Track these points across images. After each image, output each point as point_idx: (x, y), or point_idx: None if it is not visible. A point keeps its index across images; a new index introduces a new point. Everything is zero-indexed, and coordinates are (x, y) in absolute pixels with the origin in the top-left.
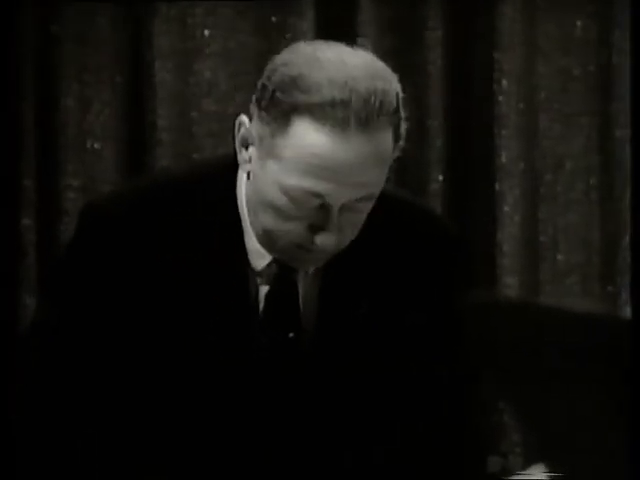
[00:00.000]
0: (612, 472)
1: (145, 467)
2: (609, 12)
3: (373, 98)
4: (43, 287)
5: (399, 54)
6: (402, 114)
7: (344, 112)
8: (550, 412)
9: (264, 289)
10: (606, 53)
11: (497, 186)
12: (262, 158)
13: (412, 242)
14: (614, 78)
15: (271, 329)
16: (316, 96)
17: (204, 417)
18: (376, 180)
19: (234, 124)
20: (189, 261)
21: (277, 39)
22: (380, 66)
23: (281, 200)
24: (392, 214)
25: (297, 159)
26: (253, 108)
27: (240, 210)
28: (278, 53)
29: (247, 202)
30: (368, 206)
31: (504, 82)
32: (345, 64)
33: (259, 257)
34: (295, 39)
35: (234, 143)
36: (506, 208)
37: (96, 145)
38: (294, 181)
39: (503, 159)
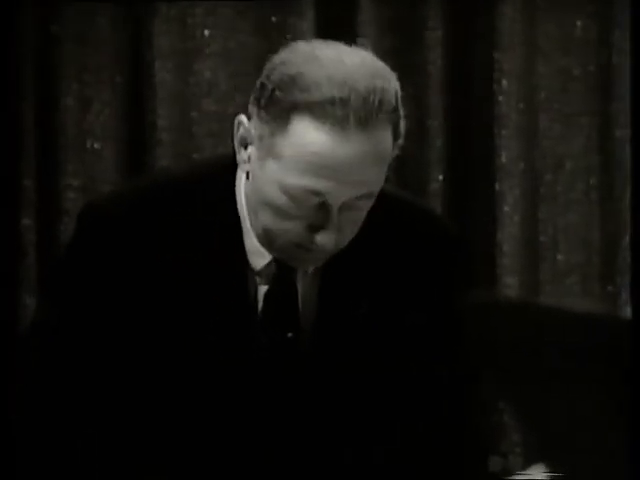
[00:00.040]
0: (612, 472)
1: (145, 467)
2: (609, 12)
3: (372, 96)
4: (43, 287)
5: (399, 54)
6: (401, 112)
7: (343, 110)
8: (550, 412)
9: (263, 289)
10: (606, 53)
11: (497, 186)
12: (261, 157)
13: (412, 242)
14: (614, 78)
15: (270, 329)
16: (315, 94)
17: (203, 417)
18: (376, 178)
19: (233, 124)
20: (188, 261)
21: (277, 39)
22: (379, 65)
23: (280, 199)
24: (392, 214)
25: (297, 158)
26: (252, 107)
27: (239, 210)
28: (277, 53)
29: (246, 202)
30: (368, 205)
31: (504, 82)
32: (344, 63)
33: (258, 257)
34: (295, 39)
35: (233, 143)
36: (506, 208)
37: (96, 145)
38: (294, 180)
39: (503, 159)
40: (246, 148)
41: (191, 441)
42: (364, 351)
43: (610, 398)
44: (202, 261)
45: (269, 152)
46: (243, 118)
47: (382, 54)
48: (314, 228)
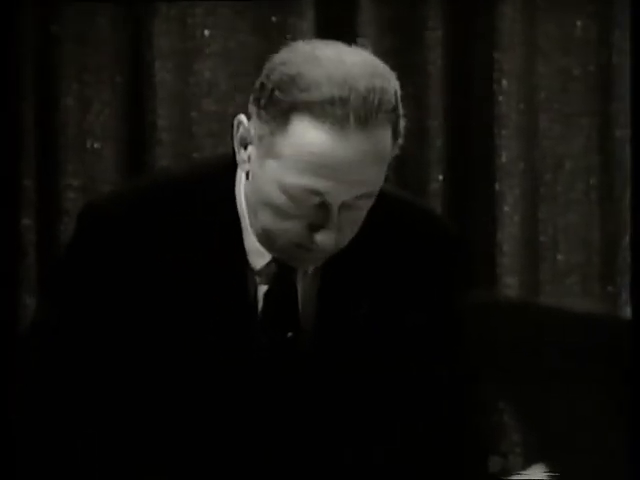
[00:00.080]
0: (612, 472)
1: (145, 467)
2: (609, 12)
3: (372, 96)
4: (43, 287)
5: (399, 54)
6: (401, 112)
7: (343, 110)
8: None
9: (263, 289)
10: (606, 53)
11: (497, 186)
12: (261, 157)
13: (412, 242)
14: (614, 78)
15: (270, 329)
16: (315, 94)
17: (203, 416)
18: (375, 178)
19: (232, 124)
20: (188, 261)
21: (277, 39)
22: (378, 64)
23: (280, 199)
24: (392, 214)
25: (296, 157)
26: (252, 107)
27: (239, 210)
28: (277, 53)
29: (246, 202)
30: (368, 204)
31: (504, 82)
32: (344, 62)
33: (258, 257)
34: (295, 39)
35: (233, 143)
36: (506, 208)
37: (96, 145)
38: (293, 179)
39: (503, 159)
40: (246, 148)
41: (191, 441)
42: (364, 351)
43: (610, 398)
44: (202, 261)
45: (269, 152)
46: (243, 118)
47: (382, 54)
48: (314, 228)
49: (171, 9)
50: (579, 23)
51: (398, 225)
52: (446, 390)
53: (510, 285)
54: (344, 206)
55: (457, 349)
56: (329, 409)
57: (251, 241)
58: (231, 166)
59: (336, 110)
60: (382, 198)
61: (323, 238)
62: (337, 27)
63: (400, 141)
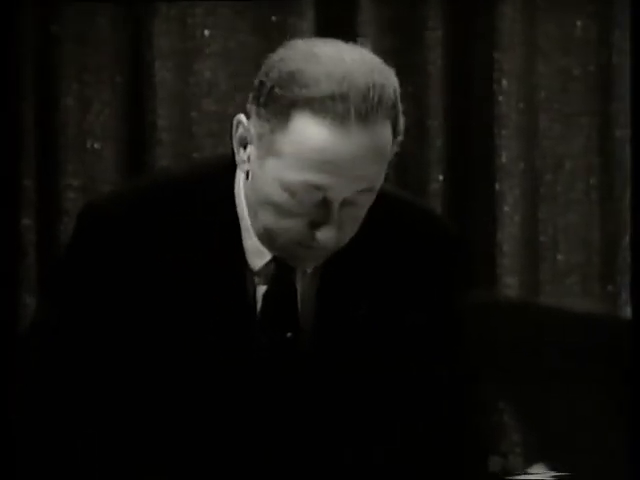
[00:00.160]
0: (612, 472)
1: (145, 467)
2: (609, 12)
3: (372, 92)
4: (43, 287)
5: (399, 54)
6: (400, 108)
7: (344, 105)
8: (550, 412)
9: (262, 289)
10: (606, 53)
11: (497, 186)
12: (261, 156)
13: (412, 242)
14: (614, 78)
15: (269, 329)
16: (315, 90)
17: (203, 417)
18: (376, 174)
19: (232, 124)
20: (187, 261)
21: (277, 39)
22: (377, 61)
23: (282, 197)
24: (392, 214)
25: (298, 154)
26: (250, 106)
27: (238, 210)
28: (275, 51)
29: (246, 202)
30: (369, 201)
31: (504, 82)
32: (343, 59)
33: (257, 257)
34: (295, 39)
35: (232, 143)
36: (506, 208)
37: (96, 145)
38: (295, 176)
39: (503, 159)
40: (245, 148)
41: (191, 441)
42: (363, 351)
43: (610, 398)
44: (201, 261)
45: (269, 150)
46: (242, 117)
47: (382, 54)
48: (315, 225)
49: (171, 9)
50: (579, 23)
51: (398, 225)
52: (446, 390)
53: (510, 285)
54: (345, 202)
55: (457, 349)
56: (329, 409)
57: (250, 241)
58: (230, 166)
59: (337, 106)
60: (382, 198)
61: (324, 235)
62: (337, 27)
63: (400, 138)
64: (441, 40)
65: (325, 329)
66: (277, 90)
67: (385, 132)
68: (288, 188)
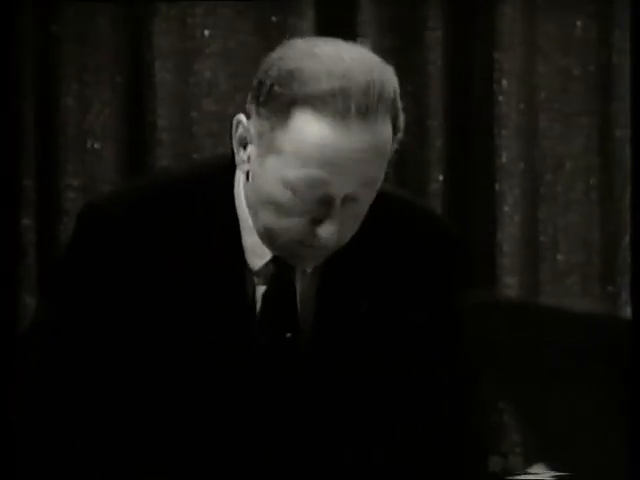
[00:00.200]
0: (612, 472)
1: (145, 467)
2: (609, 12)
3: (372, 89)
4: (43, 287)
5: (399, 54)
6: (400, 106)
7: (344, 102)
8: (550, 412)
9: (261, 289)
10: (606, 53)
11: (497, 186)
12: (262, 155)
13: (412, 242)
14: (614, 78)
15: (268, 329)
16: (315, 87)
17: (202, 417)
18: (377, 170)
19: (231, 124)
20: (187, 261)
21: (277, 39)
22: (377, 59)
23: (284, 195)
24: (392, 214)
25: (299, 151)
26: (250, 106)
27: (238, 210)
28: (274, 51)
29: (247, 202)
30: (369, 197)
31: (504, 82)
32: (342, 57)
33: (256, 257)
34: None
35: (232, 143)
36: (506, 208)
37: (96, 145)
38: (297, 173)
39: (503, 159)
40: (245, 148)
41: (191, 441)
42: (363, 351)
43: (610, 398)
44: (201, 261)
45: (270, 148)
46: (242, 117)
47: (382, 54)
48: (317, 222)
49: (171, 9)
50: (579, 23)
51: (398, 225)
52: (446, 390)
53: (510, 285)
54: (346, 199)
55: (457, 349)
56: (329, 409)
57: (250, 241)
58: (230, 167)
59: (337, 102)
60: (382, 198)
61: (325, 232)
62: (337, 27)
63: (400, 135)
64: (441, 40)
65: (325, 329)
66: (277, 88)
67: (385, 128)
68: (289, 185)
